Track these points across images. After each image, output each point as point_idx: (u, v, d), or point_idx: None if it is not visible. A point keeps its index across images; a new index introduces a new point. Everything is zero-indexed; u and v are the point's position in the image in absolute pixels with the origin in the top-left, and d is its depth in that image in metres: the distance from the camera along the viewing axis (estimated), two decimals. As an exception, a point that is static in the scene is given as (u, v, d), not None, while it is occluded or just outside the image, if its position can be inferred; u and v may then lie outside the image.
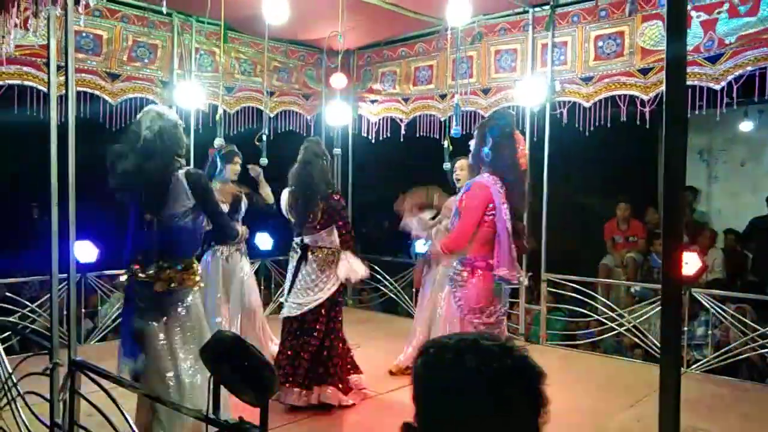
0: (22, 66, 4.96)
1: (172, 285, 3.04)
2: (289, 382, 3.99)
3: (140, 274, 3.04)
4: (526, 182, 3.33)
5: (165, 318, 3.06)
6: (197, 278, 3.16)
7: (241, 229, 4.39)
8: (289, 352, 4.10)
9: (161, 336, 3.05)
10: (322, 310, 4.12)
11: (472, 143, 3.38)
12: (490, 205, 3.15)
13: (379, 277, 7.25)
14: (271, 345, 4.94)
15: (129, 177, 2.95)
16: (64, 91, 2.95)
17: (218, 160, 4.81)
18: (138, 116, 3.11)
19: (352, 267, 4.21)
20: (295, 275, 4.21)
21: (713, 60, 4.73)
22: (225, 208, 4.15)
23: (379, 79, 7.03)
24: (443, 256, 3.39)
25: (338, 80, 6.04)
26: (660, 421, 1.43)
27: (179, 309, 3.08)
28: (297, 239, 4.28)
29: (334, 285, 4.16)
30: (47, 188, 2.93)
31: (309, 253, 4.18)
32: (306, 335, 4.09)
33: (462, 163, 4.64)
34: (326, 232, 4.18)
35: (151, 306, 3.05)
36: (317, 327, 4.10)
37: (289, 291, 4.22)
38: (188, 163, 5.08)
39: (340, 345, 4.25)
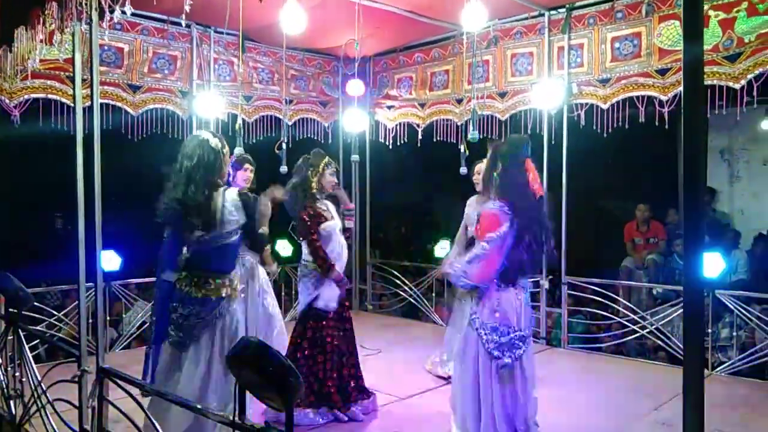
0: (46, 80, 5.08)
1: (220, 295, 3.15)
2: None
3: (185, 287, 3.15)
4: (543, 207, 3.32)
5: (208, 329, 3.14)
6: (238, 289, 3.30)
7: None
8: (300, 362, 4.04)
9: (203, 349, 3.14)
10: (305, 323, 4.05)
11: (484, 164, 3.43)
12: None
13: (398, 282, 7.27)
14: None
15: (172, 204, 3.09)
16: (87, 104, 3.02)
17: (230, 168, 4.84)
18: (184, 144, 3.23)
19: (324, 295, 4.05)
20: None
21: (732, 59, 4.68)
22: None
23: (396, 85, 7.07)
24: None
25: (355, 87, 6.08)
26: (684, 424, 1.43)
27: (225, 320, 3.16)
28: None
29: (310, 296, 4.04)
30: (71, 199, 3.00)
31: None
32: (291, 350, 4.08)
33: (480, 167, 4.64)
34: (305, 244, 4.10)
35: (195, 319, 3.13)
36: (300, 342, 4.05)
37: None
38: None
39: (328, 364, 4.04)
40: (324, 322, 4.03)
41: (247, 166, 4.81)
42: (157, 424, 2.62)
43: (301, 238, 4.13)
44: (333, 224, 4.10)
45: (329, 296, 4.02)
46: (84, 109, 3.09)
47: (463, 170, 4.98)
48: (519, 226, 3.17)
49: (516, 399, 3.18)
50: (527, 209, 3.21)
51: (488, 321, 3.19)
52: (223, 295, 3.18)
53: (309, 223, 4.00)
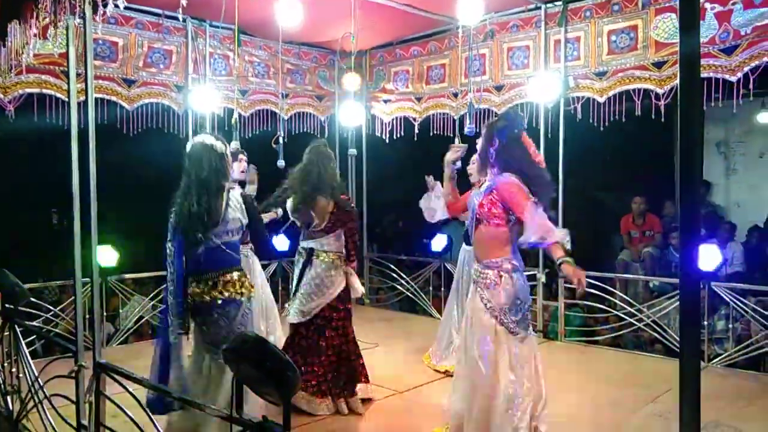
0: (41, 75, 5.06)
1: (230, 294, 3.16)
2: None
3: (196, 290, 3.14)
4: (546, 174, 3.28)
5: (215, 327, 3.15)
6: (251, 287, 3.32)
7: None
8: (296, 358, 3.97)
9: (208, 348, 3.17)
10: (333, 314, 4.08)
11: (480, 141, 3.36)
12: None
13: (395, 275, 7.27)
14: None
15: (194, 216, 3.10)
16: (82, 98, 3.01)
17: None
18: (188, 149, 3.24)
19: (354, 285, 4.23)
20: (299, 280, 4.16)
21: (729, 51, 4.68)
22: None
23: (392, 78, 7.05)
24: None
25: (351, 81, 6.07)
26: (681, 415, 1.43)
27: (233, 318, 3.16)
28: (303, 243, 4.21)
29: (340, 286, 4.09)
30: (66, 194, 2.99)
31: (314, 258, 4.11)
32: (315, 341, 4.05)
33: (474, 159, 4.65)
34: (334, 237, 4.10)
35: (206, 318, 3.15)
36: (327, 332, 4.05)
37: (294, 294, 4.19)
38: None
39: (353, 350, 4.17)
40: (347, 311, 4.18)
41: (240, 156, 4.78)
42: (155, 421, 2.62)
43: (331, 229, 4.10)
44: None
45: (358, 284, 4.27)
46: (79, 103, 3.08)
47: (458, 164, 4.96)
48: (537, 196, 3.11)
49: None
50: (540, 178, 3.17)
51: (504, 302, 3.14)
52: (241, 294, 3.19)
53: (355, 215, 4.22)
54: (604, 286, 5.82)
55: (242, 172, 4.74)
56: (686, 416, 1.41)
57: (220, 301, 3.12)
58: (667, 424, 3.76)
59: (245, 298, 3.20)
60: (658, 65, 5.08)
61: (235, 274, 3.20)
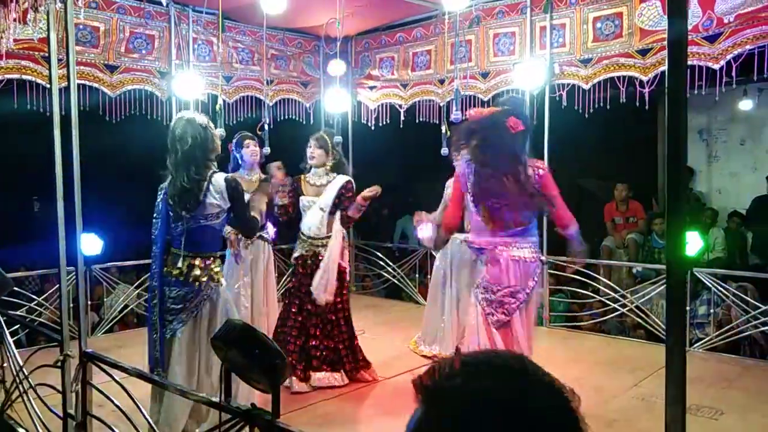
0: (20, 60, 4.96)
1: (202, 279, 3.20)
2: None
3: (171, 270, 3.20)
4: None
5: (195, 314, 3.21)
6: (221, 274, 3.36)
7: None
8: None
9: (192, 333, 3.21)
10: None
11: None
12: None
13: (381, 263, 7.29)
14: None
15: (185, 192, 3.15)
16: (63, 84, 2.97)
17: (234, 151, 4.72)
18: (171, 126, 3.26)
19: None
20: None
21: (712, 39, 4.71)
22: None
23: (378, 65, 7.01)
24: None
25: (336, 67, 6.03)
26: (666, 399, 1.45)
27: (208, 304, 3.23)
28: None
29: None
30: (48, 181, 2.95)
31: None
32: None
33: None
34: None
35: (181, 302, 3.19)
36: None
37: None
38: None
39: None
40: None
41: (248, 142, 4.70)
42: (141, 408, 2.62)
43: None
44: (309, 200, 4.32)
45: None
46: (60, 89, 3.03)
47: (444, 151, 4.98)
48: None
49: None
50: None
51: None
52: (210, 279, 3.24)
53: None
54: (588, 272, 5.89)
55: (253, 156, 4.68)
56: (672, 399, 1.43)
57: (182, 280, 3.18)
58: (649, 407, 3.82)
59: (205, 286, 3.23)
60: (643, 53, 5.10)
61: (197, 260, 3.21)
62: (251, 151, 4.66)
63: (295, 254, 4.33)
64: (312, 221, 4.25)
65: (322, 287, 4.13)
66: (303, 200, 4.31)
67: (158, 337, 3.16)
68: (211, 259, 3.29)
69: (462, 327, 4.51)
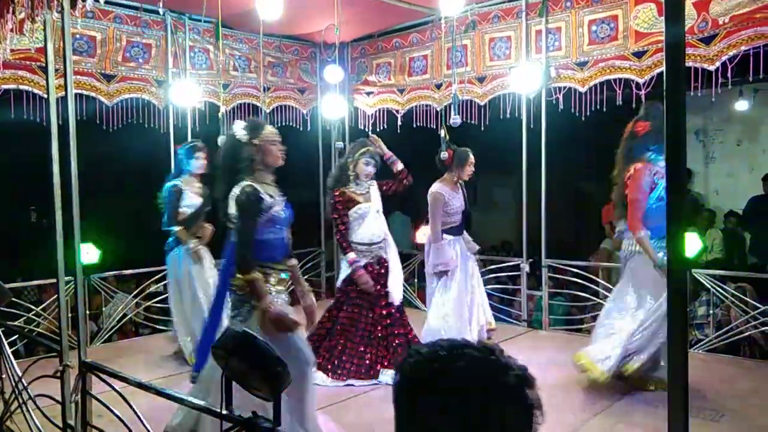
0: (17, 70, 4.97)
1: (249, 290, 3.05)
2: None
3: (234, 283, 3.12)
4: None
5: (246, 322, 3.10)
6: (272, 284, 3.14)
7: (209, 227, 4.80)
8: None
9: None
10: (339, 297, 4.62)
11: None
12: None
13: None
14: None
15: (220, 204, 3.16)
16: (61, 94, 2.96)
17: (182, 156, 4.89)
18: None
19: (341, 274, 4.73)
20: None
21: (707, 41, 4.73)
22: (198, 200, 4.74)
23: (374, 70, 7.03)
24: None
25: (333, 73, 6.03)
26: (669, 400, 1.45)
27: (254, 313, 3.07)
28: None
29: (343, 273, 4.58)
30: (47, 191, 2.95)
31: None
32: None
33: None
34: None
35: (237, 311, 3.11)
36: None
37: None
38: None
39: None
40: (339, 296, 4.61)
41: (199, 154, 4.82)
42: (142, 418, 2.60)
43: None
44: (365, 207, 4.48)
45: (343, 276, 4.57)
46: (57, 99, 3.03)
47: (444, 155, 4.98)
48: None
49: None
50: None
51: None
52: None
53: (334, 204, 4.49)
54: (587, 274, 5.89)
55: (200, 168, 4.83)
56: (674, 401, 1.43)
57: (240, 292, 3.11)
58: (651, 409, 3.81)
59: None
60: (639, 55, 5.12)
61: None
62: (201, 163, 4.83)
63: (360, 263, 4.43)
64: (374, 226, 4.50)
65: (398, 287, 4.49)
66: (358, 209, 4.48)
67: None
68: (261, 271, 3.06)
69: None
